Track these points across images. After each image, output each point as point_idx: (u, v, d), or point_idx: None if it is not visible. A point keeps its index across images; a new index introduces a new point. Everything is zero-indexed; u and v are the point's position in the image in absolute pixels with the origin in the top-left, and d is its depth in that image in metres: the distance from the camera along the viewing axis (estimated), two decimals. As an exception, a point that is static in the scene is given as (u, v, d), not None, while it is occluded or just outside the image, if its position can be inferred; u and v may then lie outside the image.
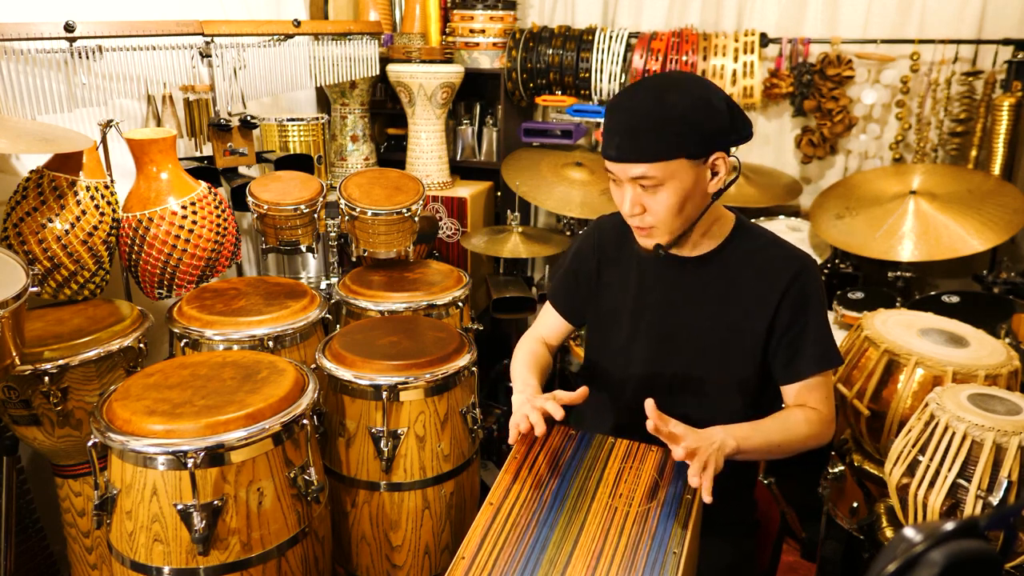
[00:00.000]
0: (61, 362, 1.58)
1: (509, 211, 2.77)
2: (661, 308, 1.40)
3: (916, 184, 2.50)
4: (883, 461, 1.45)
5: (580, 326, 1.58)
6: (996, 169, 2.55)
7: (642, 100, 1.22)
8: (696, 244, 1.37)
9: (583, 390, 1.30)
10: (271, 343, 1.82)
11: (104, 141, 1.90)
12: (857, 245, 2.43)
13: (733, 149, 1.31)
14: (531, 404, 1.25)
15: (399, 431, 1.69)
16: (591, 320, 1.53)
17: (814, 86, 2.74)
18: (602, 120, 2.83)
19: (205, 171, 2.20)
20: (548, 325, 1.58)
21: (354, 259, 2.31)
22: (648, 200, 1.27)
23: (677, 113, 1.20)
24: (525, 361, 1.46)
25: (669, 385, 1.40)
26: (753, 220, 1.45)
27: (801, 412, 1.33)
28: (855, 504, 1.69)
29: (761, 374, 1.37)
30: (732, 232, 1.39)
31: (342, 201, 2.19)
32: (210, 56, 2.11)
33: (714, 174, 1.27)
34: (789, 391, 1.36)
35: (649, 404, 1.14)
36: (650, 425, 1.14)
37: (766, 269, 1.35)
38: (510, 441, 1.25)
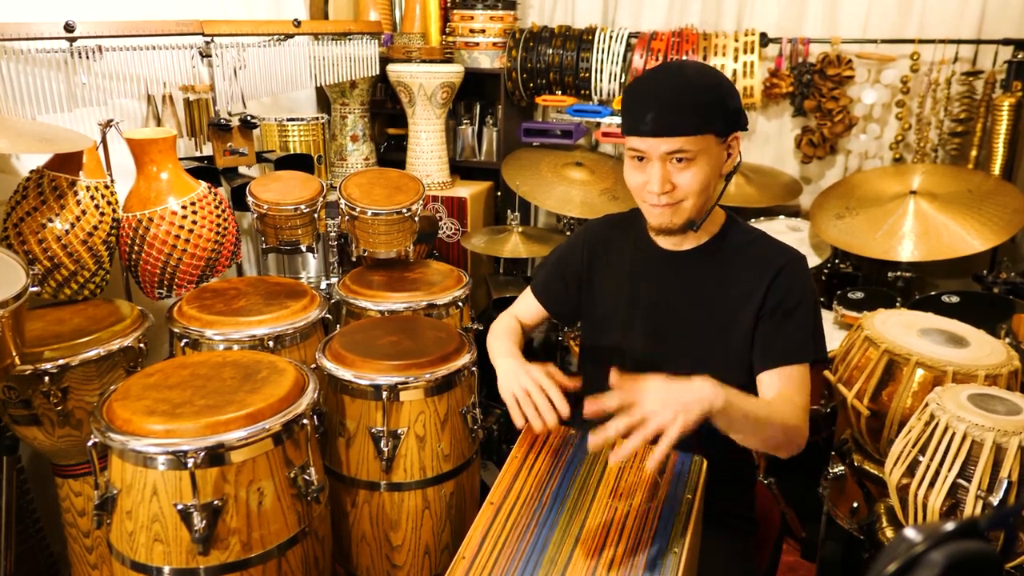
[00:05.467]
0: (61, 362, 1.58)
1: (509, 211, 2.77)
2: (655, 304, 1.41)
3: (916, 184, 2.50)
4: (883, 461, 1.45)
5: (570, 324, 1.58)
6: (996, 169, 2.55)
7: (669, 78, 1.26)
8: (689, 236, 1.38)
9: (577, 381, 1.28)
10: (271, 343, 1.82)
11: (104, 141, 1.90)
12: (857, 245, 2.43)
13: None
14: (536, 385, 1.24)
15: (399, 431, 1.69)
16: (585, 322, 1.53)
17: (814, 86, 2.74)
18: (600, 119, 2.85)
19: (205, 171, 2.19)
20: (526, 309, 1.59)
21: (354, 259, 2.30)
22: (678, 177, 1.27)
23: (705, 89, 1.25)
24: (506, 330, 1.51)
25: None
26: (753, 220, 1.45)
27: (780, 398, 1.28)
28: (855, 504, 1.68)
29: (753, 374, 1.37)
30: (723, 226, 1.40)
31: (342, 201, 2.19)
32: (210, 56, 2.11)
33: (728, 155, 1.32)
34: (762, 382, 1.31)
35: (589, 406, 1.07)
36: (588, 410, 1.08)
37: (755, 263, 1.35)
38: (517, 424, 1.24)
